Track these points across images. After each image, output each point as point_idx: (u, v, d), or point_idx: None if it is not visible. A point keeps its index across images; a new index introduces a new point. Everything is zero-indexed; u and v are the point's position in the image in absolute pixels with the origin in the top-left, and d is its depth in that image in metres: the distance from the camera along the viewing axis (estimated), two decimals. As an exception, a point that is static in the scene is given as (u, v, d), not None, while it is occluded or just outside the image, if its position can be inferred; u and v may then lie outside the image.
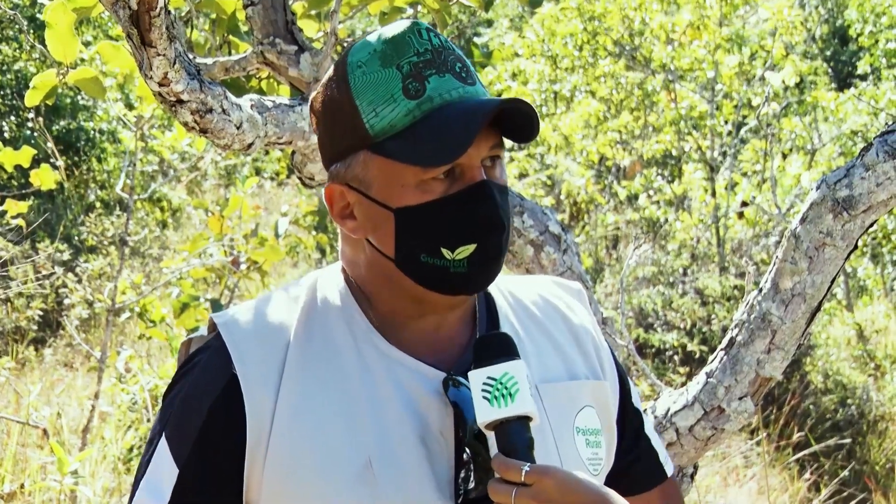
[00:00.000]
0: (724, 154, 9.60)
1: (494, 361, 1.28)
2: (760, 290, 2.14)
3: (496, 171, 1.33)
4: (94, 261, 7.91)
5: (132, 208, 5.23)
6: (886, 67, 11.03)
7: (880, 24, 11.11)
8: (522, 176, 10.00)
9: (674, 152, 10.05)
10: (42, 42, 2.39)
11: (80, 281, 7.29)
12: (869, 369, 8.10)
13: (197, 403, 1.32)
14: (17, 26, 8.05)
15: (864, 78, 12.55)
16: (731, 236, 9.01)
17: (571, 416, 1.41)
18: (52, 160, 4.43)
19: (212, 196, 11.08)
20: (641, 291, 8.12)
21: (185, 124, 2.02)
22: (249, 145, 2.15)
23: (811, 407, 7.06)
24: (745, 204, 8.83)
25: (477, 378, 1.28)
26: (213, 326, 1.37)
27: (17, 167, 4.36)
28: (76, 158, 9.10)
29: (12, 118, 8.68)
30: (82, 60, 4.96)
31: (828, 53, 15.98)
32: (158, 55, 1.80)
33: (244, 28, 2.72)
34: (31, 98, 2.43)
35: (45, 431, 4.64)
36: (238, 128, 2.09)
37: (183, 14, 2.69)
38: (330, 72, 1.36)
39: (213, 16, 2.76)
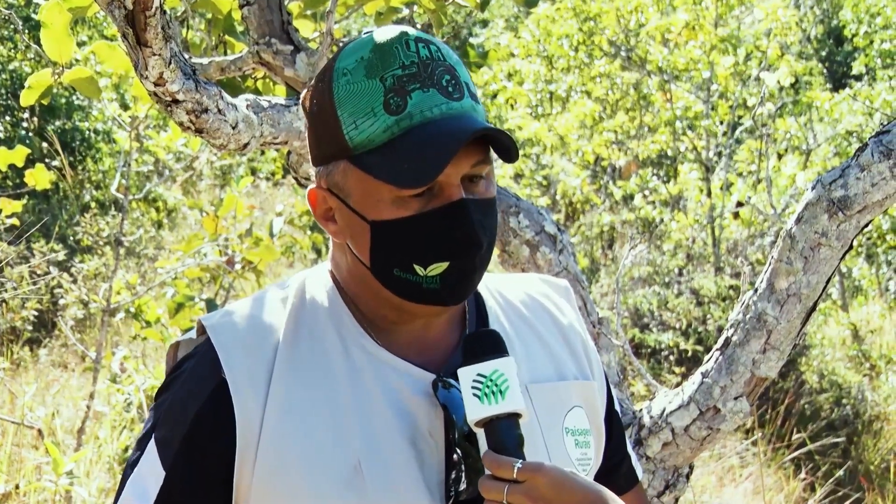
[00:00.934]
0: (719, 154, 9.60)
1: (484, 358, 1.28)
2: (756, 291, 2.14)
3: (480, 186, 1.31)
4: (90, 261, 7.90)
5: (127, 208, 5.22)
6: (881, 68, 11.05)
7: (875, 24, 11.13)
8: (518, 176, 10.00)
9: (669, 152, 10.06)
10: (37, 42, 2.39)
11: (75, 281, 7.28)
12: (864, 369, 8.11)
13: (185, 407, 1.32)
14: (12, 26, 8.04)
15: (858, 78, 12.57)
16: (726, 236, 9.01)
17: (561, 416, 1.41)
18: (47, 160, 4.42)
19: (207, 196, 11.07)
20: (637, 291, 8.13)
21: (181, 124, 2.01)
22: (245, 145, 2.15)
23: (806, 407, 7.06)
24: (740, 204, 8.83)
25: (467, 375, 1.27)
26: (201, 329, 1.36)
27: (12, 167, 4.35)
28: (71, 158, 9.08)
29: (7, 118, 8.66)
30: (77, 60, 4.95)
31: (823, 54, 16.00)
32: (154, 55, 1.80)
33: (240, 28, 2.72)
34: (27, 98, 2.42)
35: (39, 432, 4.63)
36: (234, 128, 2.09)
37: (179, 14, 2.69)
38: (320, 72, 1.35)
39: (209, 16, 2.76)
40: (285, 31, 2.44)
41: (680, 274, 8.47)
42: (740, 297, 2.20)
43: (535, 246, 2.44)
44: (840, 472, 6.13)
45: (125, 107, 8.54)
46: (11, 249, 6.65)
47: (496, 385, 1.26)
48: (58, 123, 8.88)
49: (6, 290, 6.39)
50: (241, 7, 2.44)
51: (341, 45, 2.59)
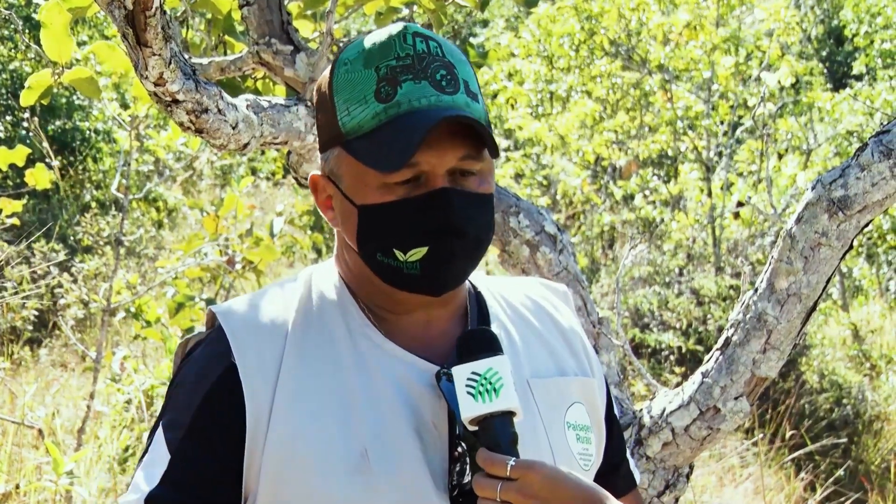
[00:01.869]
0: (719, 154, 9.60)
1: (478, 357, 1.28)
2: (756, 290, 2.14)
3: (472, 182, 1.33)
4: (90, 261, 7.90)
5: (127, 208, 5.22)
6: (882, 68, 11.05)
7: (875, 24, 11.13)
8: (519, 176, 9.99)
9: (670, 152, 10.06)
10: (37, 42, 2.39)
11: (75, 281, 7.28)
12: (864, 369, 8.10)
13: (194, 391, 1.34)
14: (12, 26, 8.04)
15: (859, 78, 12.57)
16: (726, 236, 9.01)
17: (562, 410, 1.42)
18: (47, 160, 4.42)
19: (208, 196, 11.07)
20: (637, 291, 8.13)
21: (181, 124, 2.02)
22: (245, 145, 2.15)
23: (807, 407, 7.06)
24: (740, 204, 8.83)
25: (461, 373, 1.28)
26: (211, 317, 1.39)
27: (13, 167, 4.35)
28: (72, 158, 9.09)
29: (7, 118, 8.66)
30: (77, 60, 4.95)
31: (823, 54, 15.99)
32: (154, 55, 1.80)
33: (240, 28, 2.72)
34: (27, 98, 2.42)
35: (40, 432, 4.63)
36: (234, 128, 2.09)
37: (178, 14, 2.69)
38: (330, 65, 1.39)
39: (209, 16, 2.76)
40: (285, 31, 2.44)
41: (680, 274, 8.47)
42: (740, 296, 2.20)
43: (535, 246, 2.44)
44: (840, 472, 6.12)
45: (125, 106, 8.54)
46: (12, 249, 6.65)
47: (490, 383, 1.27)
48: (58, 123, 8.88)
49: (7, 290, 6.39)
50: (240, 7, 2.44)
51: (341, 46, 2.59)
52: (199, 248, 5.53)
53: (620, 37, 9.76)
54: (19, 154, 4.10)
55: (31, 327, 7.13)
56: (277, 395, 1.31)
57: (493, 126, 7.75)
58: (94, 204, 9.16)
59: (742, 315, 2.15)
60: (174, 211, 10.26)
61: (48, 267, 7.05)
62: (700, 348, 7.37)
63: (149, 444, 1.36)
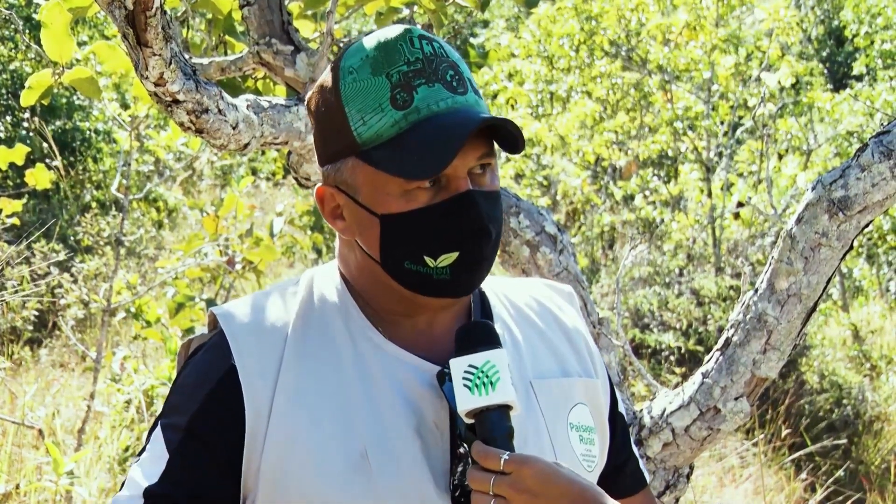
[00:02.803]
0: (720, 155, 9.60)
1: (476, 350, 1.28)
2: (756, 291, 2.14)
3: (486, 178, 1.33)
4: (90, 261, 7.90)
5: (127, 208, 5.22)
6: (882, 68, 11.05)
7: (876, 24, 11.13)
8: (519, 176, 9.99)
9: (670, 153, 10.06)
10: (38, 42, 2.39)
11: (75, 281, 7.28)
12: (864, 370, 8.10)
13: (194, 392, 1.34)
14: (12, 26, 8.04)
15: (859, 79, 12.57)
16: (726, 237, 9.01)
17: (565, 411, 1.42)
18: (47, 160, 4.42)
19: (208, 196, 11.07)
20: (637, 292, 8.13)
21: (181, 124, 2.01)
22: (245, 145, 2.15)
23: (807, 407, 7.06)
24: (740, 204, 8.83)
25: (458, 366, 1.28)
26: (213, 319, 1.39)
27: (13, 167, 4.35)
28: (72, 158, 9.09)
29: (8, 118, 8.66)
30: (78, 60, 4.95)
31: (823, 54, 15.99)
32: (154, 55, 1.80)
33: (240, 28, 2.72)
34: (27, 98, 2.42)
35: (40, 432, 4.63)
36: (234, 128, 2.09)
37: (179, 14, 2.69)
38: (325, 73, 1.37)
39: (209, 16, 2.76)
40: (285, 31, 2.44)
41: (680, 274, 8.47)
42: (741, 297, 2.20)
43: (535, 246, 2.44)
44: (840, 473, 6.12)
45: (125, 106, 8.54)
46: (12, 249, 6.65)
47: (487, 376, 1.27)
48: (58, 123, 8.88)
49: (7, 290, 6.39)
50: (241, 7, 2.44)
51: (342, 46, 2.59)
52: (200, 248, 5.53)
53: (620, 37, 9.77)
54: (18, 153, 4.10)
55: (31, 327, 7.13)
56: (277, 397, 1.31)
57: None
58: (94, 204, 9.16)
59: (742, 315, 2.15)
60: (174, 211, 10.26)
61: (48, 267, 7.05)
62: (700, 349, 7.37)
63: (147, 443, 1.37)
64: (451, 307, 1.39)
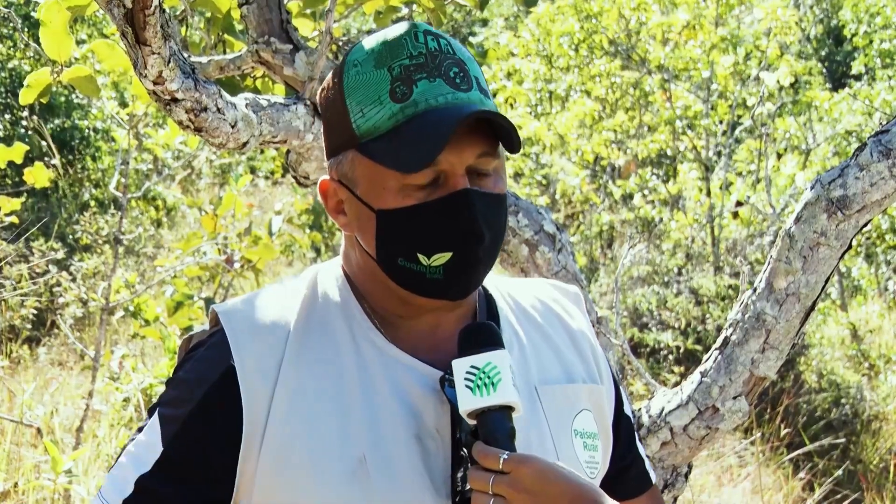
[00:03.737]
0: (718, 154, 9.60)
1: (478, 350, 1.28)
2: (755, 290, 2.14)
3: (489, 180, 1.31)
4: (89, 259, 7.89)
5: (126, 207, 5.22)
6: (881, 67, 11.05)
7: (874, 24, 11.13)
8: (518, 175, 9.99)
9: (669, 152, 10.06)
10: (36, 40, 2.39)
11: (74, 280, 7.28)
12: (863, 369, 8.11)
13: (193, 389, 1.33)
14: (11, 24, 8.03)
15: (858, 78, 12.57)
16: (725, 236, 9.01)
17: (570, 418, 1.41)
18: (46, 158, 4.42)
19: (206, 195, 11.07)
20: (636, 291, 8.13)
21: (180, 123, 2.01)
22: (244, 144, 2.15)
23: (805, 406, 7.07)
24: (739, 204, 8.83)
25: (460, 367, 1.28)
26: (214, 316, 1.37)
27: (12, 165, 4.35)
28: (70, 157, 9.08)
29: (6, 116, 8.65)
30: (76, 59, 4.95)
31: (822, 53, 16.00)
32: (153, 54, 1.80)
33: (239, 27, 2.72)
34: (26, 96, 2.42)
35: (38, 430, 4.63)
36: (233, 127, 2.08)
37: (178, 12, 2.69)
38: (336, 68, 1.36)
39: (208, 14, 2.76)
40: (284, 29, 2.43)
41: (679, 273, 8.47)
42: (739, 296, 2.20)
43: (533, 245, 2.44)
44: (839, 472, 6.13)
45: (124, 105, 8.54)
46: (10, 248, 6.65)
47: (488, 377, 1.27)
48: (57, 122, 8.87)
49: (5, 289, 6.39)
50: (240, 6, 2.44)
51: (341, 44, 2.59)
52: (198, 246, 5.52)
53: (620, 36, 9.76)
54: (17, 151, 4.10)
55: (29, 326, 7.12)
56: (276, 399, 1.30)
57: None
58: (92, 202, 9.15)
59: (741, 315, 2.15)
60: (173, 210, 10.25)
61: (47, 265, 7.05)
62: (699, 348, 7.37)
63: (142, 427, 1.36)
64: (454, 309, 1.37)
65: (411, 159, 1.26)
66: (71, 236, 8.54)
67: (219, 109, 2.03)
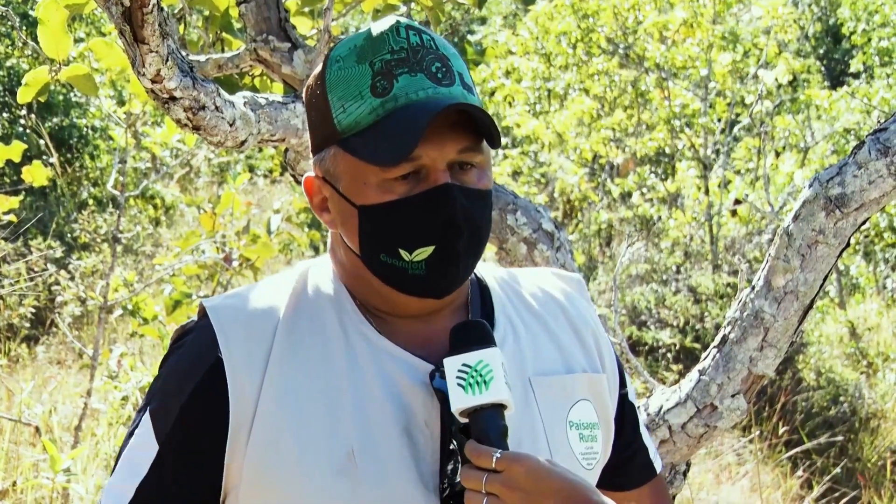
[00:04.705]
0: (717, 152, 9.61)
1: (469, 349, 1.28)
2: (753, 288, 2.14)
3: (472, 175, 1.30)
4: (87, 258, 7.89)
5: (124, 205, 5.22)
6: (879, 65, 11.05)
7: (873, 22, 11.13)
8: (516, 174, 9.99)
9: (667, 150, 10.06)
10: (34, 39, 2.39)
11: (72, 278, 7.27)
12: (861, 367, 8.11)
13: (181, 383, 1.32)
14: (9, 23, 8.03)
15: (856, 76, 12.57)
16: (724, 234, 9.02)
17: (565, 410, 1.39)
18: (44, 156, 4.42)
19: (205, 193, 11.07)
20: (634, 289, 8.13)
21: (178, 121, 2.01)
22: (242, 142, 2.15)
23: (803, 404, 7.07)
24: (738, 202, 8.84)
25: (452, 365, 1.27)
26: (202, 311, 1.36)
27: (10, 164, 4.35)
28: (69, 155, 9.08)
29: (4, 115, 8.65)
30: (74, 57, 4.94)
31: (821, 51, 16.00)
32: (151, 52, 1.80)
33: (237, 25, 2.72)
34: (24, 95, 2.42)
35: (37, 429, 4.63)
36: (231, 125, 2.08)
37: (176, 11, 2.69)
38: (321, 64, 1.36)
39: (206, 13, 2.75)
40: (283, 28, 2.43)
41: (677, 271, 8.47)
42: (738, 294, 2.20)
43: (532, 243, 2.44)
44: (837, 470, 6.13)
45: (122, 103, 8.52)
46: (9, 246, 6.64)
47: (480, 375, 1.26)
48: (55, 120, 8.87)
49: (4, 287, 6.39)
50: (238, 4, 2.44)
51: (339, 42, 2.59)
52: (197, 245, 5.52)
53: (617, 35, 9.76)
54: (15, 150, 4.10)
55: (28, 324, 7.12)
56: (263, 392, 1.29)
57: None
58: (91, 201, 9.15)
59: (739, 313, 2.15)
60: (171, 208, 10.25)
61: (45, 264, 7.05)
62: (697, 346, 7.38)
63: (133, 429, 1.35)
64: (436, 310, 1.36)
65: (388, 153, 1.25)
66: (69, 235, 8.54)
67: (217, 108, 2.02)
